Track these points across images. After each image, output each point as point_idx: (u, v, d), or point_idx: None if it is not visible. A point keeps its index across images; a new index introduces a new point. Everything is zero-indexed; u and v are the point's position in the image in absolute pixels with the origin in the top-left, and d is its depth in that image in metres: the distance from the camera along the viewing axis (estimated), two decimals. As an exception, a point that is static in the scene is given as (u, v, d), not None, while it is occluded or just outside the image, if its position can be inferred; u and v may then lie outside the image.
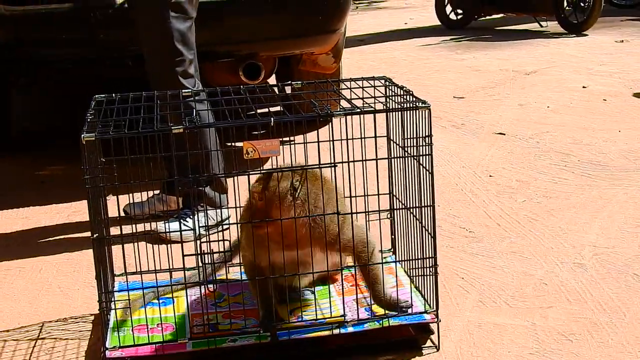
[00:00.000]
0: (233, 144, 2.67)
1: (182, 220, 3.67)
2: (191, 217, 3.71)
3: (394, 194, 3.09)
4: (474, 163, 4.81)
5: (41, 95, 7.24)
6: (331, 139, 2.63)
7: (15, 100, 5.95)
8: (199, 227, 3.54)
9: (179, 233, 3.61)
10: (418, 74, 7.55)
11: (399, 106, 2.76)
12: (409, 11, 13.51)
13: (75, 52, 4.60)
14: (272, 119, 2.55)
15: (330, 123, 2.64)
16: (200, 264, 2.77)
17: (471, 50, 8.87)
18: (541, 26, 10.35)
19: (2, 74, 5.10)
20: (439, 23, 11.00)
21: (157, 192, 4.00)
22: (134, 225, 3.36)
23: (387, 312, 2.76)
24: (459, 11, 10.86)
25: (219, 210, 3.79)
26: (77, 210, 4.36)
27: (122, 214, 3.48)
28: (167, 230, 3.66)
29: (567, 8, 9.69)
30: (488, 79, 7.18)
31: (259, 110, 2.69)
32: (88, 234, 3.92)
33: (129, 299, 2.81)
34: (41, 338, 3.01)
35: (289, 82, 3.15)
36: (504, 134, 5.37)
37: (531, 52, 8.49)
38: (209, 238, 2.78)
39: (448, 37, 9.92)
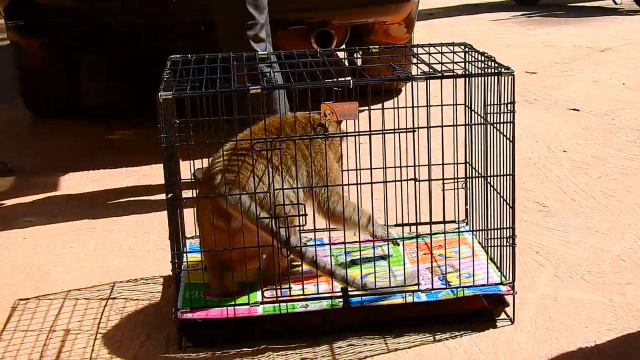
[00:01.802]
0: (310, 108, 2.64)
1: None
2: None
3: (471, 162, 3.03)
4: (547, 138, 4.72)
5: (109, 67, 7.28)
6: (412, 104, 2.59)
7: (85, 72, 5.99)
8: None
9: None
10: (489, 48, 7.36)
11: (481, 72, 2.69)
12: (478, -13, 13.31)
13: (149, 19, 4.61)
14: (351, 81, 2.51)
15: (411, 87, 2.59)
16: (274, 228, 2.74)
17: (543, 25, 8.70)
18: (615, 3, 10.10)
19: (73, 45, 5.12)
20: (510, -1, 10.81)
21: None
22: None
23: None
24: (531, -13, 10.64)
25: None
26: (147, 174, 4.37)
27: (193, 178, 3.47)
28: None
29: (643, -15, 9.45)
30: (561, 54, 7.04)
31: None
32: (157, 197, 3.97)
33: (202, 261, 2.80)
34: (112, 298, 3.02)
35: (367, 47, 3.10)
36: (578, 110, 5.26)
37: (605, 29, 8.30)
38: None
39: (519, 13, 9.74)
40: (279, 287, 2.71)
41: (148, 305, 2.94)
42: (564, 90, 5.78)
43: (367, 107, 2.65)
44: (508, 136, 2.67)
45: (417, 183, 2.73)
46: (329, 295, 2.70)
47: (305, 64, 2.84)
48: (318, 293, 2.71)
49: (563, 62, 6.72)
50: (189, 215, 3.03)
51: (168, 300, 2.92)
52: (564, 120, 5.08)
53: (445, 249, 2.85)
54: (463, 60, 2.81)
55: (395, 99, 2.79)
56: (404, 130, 2.64)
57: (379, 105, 2.74)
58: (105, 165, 4.57)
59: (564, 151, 4.48)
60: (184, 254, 2.98)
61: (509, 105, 2.63)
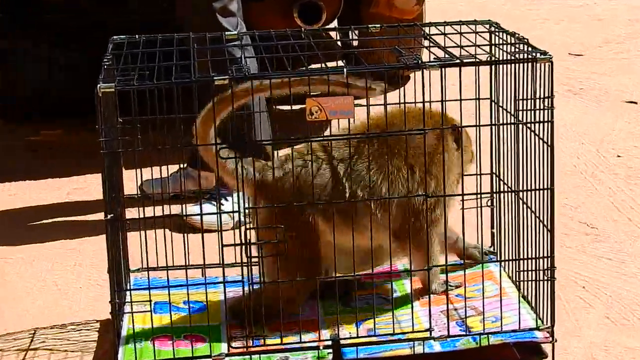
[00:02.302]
0: (291, 103, 2.66)
1: (217, 202, 3.67)
2: (229, 197, 3.73)
3: (498, 173, 3.05)
4: (597, 139, 4.75)
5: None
6: (422, 99, 2.61)
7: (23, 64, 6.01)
8: (240, 210, 3.53)
9: (215, 218, 3.61)
10: (521, 25, 7.43)
11: (511, 57, 2.71)
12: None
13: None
14: (344, 69, 2.53)
15: (422, 77, 2.60)
16: (245, 259, 2.75)
17: (590, -7, 8.75)
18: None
19: (12, 34, 5.18)
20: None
21: (184, 165, 4.00)
22: (153, 208, 3.36)
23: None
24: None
25: None
26: (80, 187, 4.37)
27: (139, 193, 3.47)
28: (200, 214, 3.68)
29: None
30: (613, 31, 7.07)
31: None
32: (93, 217, 3.96)
33: (150, 300, 2.81)
34: (33, 348, 3.02)
35: (365, 25, 3.12)
36: (636, 103, 5.30)
37: (670, -2, 8.36)
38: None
39: (559, -23, 9.81)
40: (251, 335, 2.72)
41: (80, 358, 2.94)
42: (617, 78, 5.81)
43: (364, 102, 2.66)
44: (545, 139, 2.69)
45: (428, 200, 2.75)
46: (315, 344, 2.71)
47: (286, 46, 2.85)
48: (301, 342, 2.73)
49: (616, 42, 6.74)
50: (134, 240, 3.04)
51: (106, 351, 2.93)
52: (618, 115, 5.11)
53: (465, 286, 2.86)
54: (488, 43, 2.83)
55: (402, 91, 2.79)
56: (413, 132, 2.65)
57: (381, 100, 2.75)
58: (25, 175, 4.57)
59: (618, 156, 4.51)
60: (127, 292, 2.98)
61: (546, 100, 2.64)
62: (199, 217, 3.53)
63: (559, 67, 5.98)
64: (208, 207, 3.73)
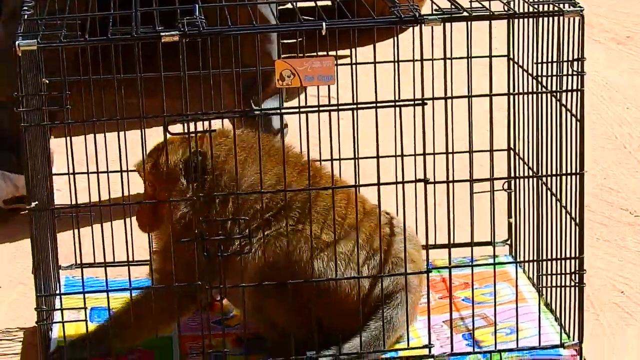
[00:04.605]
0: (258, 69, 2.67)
1: None
2: None
3: (517, 151, 3.07)
4: (647, 103, 4.76)
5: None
6: (421, 58, 2.61)
7: None
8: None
9: None
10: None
11: (532, 9, 2.72)
12: None
13: None
14: (323, 23, 2.53)
15: (420, 32, 2.60)
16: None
17: None
18: None
19: None
20: None
21: None
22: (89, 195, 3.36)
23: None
24: None
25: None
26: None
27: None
28: None
29: None
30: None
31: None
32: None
33: (84, 307, 2.82)
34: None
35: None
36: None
37: None
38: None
39: None
40: (209, 349, 2.75)
41: (-1, 376, 2.97)
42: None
43: (348, 62, 2.67)
44: (574, 112, 2.71)
45: (428, 185, 2.75)
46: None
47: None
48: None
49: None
50: (65, 231, 3.05)
51: (32, 366, 2.96)
52: (676, 71, 5.13)
53: (473, 288, 2.88)
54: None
55: (395, 50, 2.77)
56: (409, 102, 2.67)
57: (369, 58, 2.75)
58: None
59: (674, 125, 4.53)
60: (57, 296, 2.99)
61: (575, 63, 2.66)
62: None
63: (599, 9, 5.96)
64: None
